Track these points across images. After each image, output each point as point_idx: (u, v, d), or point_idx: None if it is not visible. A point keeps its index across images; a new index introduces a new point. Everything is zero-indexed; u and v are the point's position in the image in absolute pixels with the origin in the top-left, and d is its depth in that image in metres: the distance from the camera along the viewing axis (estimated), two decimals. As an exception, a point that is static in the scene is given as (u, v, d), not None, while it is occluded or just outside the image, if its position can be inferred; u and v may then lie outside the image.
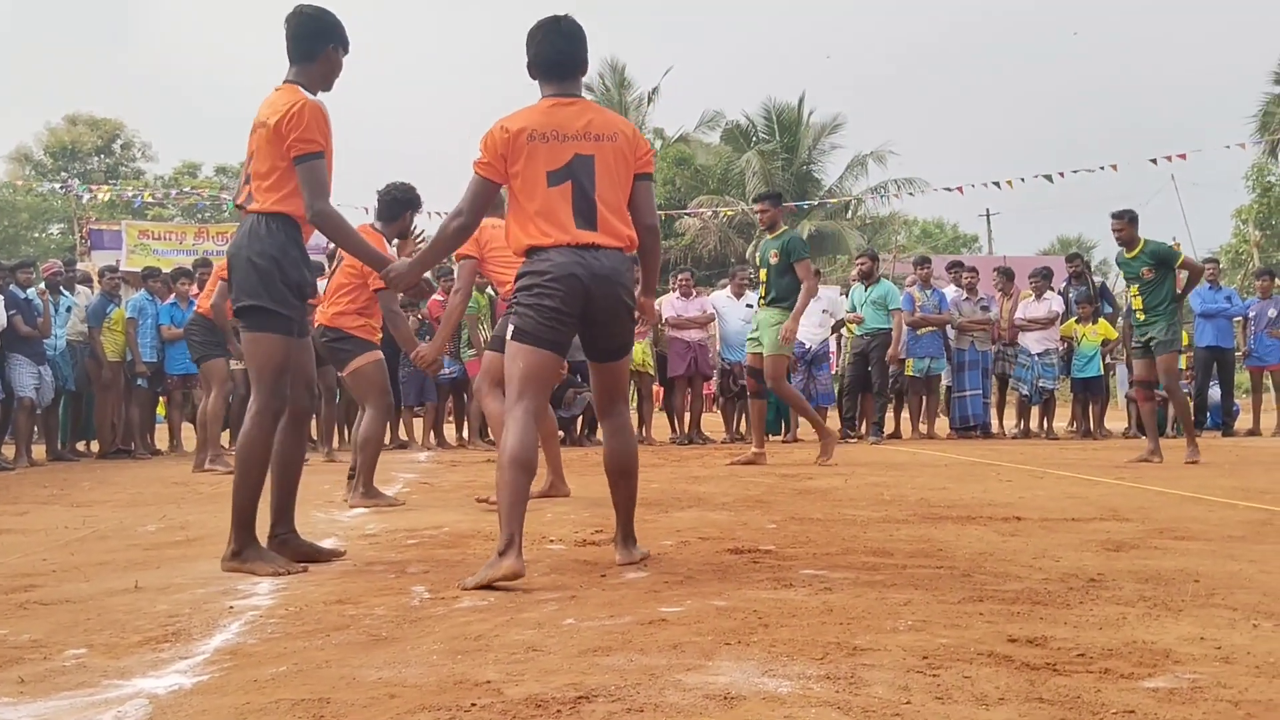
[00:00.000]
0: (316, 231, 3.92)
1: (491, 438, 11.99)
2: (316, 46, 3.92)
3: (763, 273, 8.67)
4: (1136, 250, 8.54)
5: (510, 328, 3.65)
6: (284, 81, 3.92)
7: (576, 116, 3.66)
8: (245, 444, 3.81)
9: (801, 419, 12.39)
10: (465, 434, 12.12)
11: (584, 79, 3.86)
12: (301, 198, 3.76)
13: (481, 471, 8.11)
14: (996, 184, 22.16)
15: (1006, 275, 12.96)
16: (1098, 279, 13.29)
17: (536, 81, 3.78)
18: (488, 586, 3.25)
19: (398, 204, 6.12)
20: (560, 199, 3.60)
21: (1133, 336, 8.73)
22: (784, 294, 8.34)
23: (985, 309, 12.28)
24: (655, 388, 13.23)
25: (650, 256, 3.92)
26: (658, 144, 36.92)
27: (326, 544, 4.16)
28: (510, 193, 3.69)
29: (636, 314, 3.90)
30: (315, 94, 3.89)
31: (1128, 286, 8.80)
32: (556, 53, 3.72)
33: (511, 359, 3.63)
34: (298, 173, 3.74)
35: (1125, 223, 8.60)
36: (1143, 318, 8.48)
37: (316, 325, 6.38)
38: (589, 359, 3.86)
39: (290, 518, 4.00)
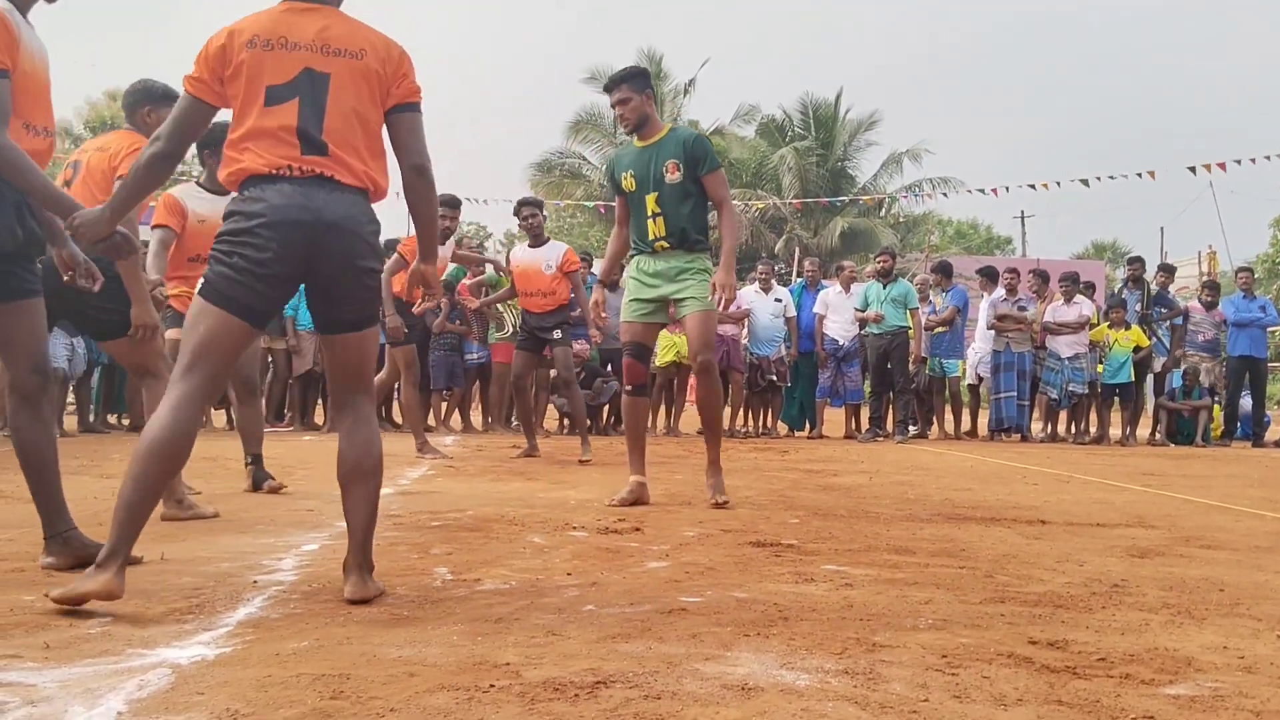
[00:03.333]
0: None
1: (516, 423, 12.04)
2: None
3: None
4: None
5: (202, 279, 2.96)
6: None
7: (311, 24, 2.98)
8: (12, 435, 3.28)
9: (822, 415, 12.41)
10: (490, 419, 12.15)
11: None
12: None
13: (507, 457, 8.14)
14: (1032, 186, 22.03)
15: (1042, 278, 12.87)
16: (1154, 286, 13.07)
17: None
18: (76, 603, 2.69)
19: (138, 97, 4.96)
20: (283, 123, 2.92)
21: None
22: None
23: (1022, 309, 12.20)
24: (690, 379, 13.19)
25: (421, 204, 3.15)
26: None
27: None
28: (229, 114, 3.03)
29: (419, 290, 3.33)
30: None
31: None
32: None
33: (191, 322, 2.94)
34: None
35: None
36: None
37: None
38: (316, 329, 3.14)
39: (65, 513, 3.41)
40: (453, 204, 8.19)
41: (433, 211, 3.20)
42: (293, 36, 2.95)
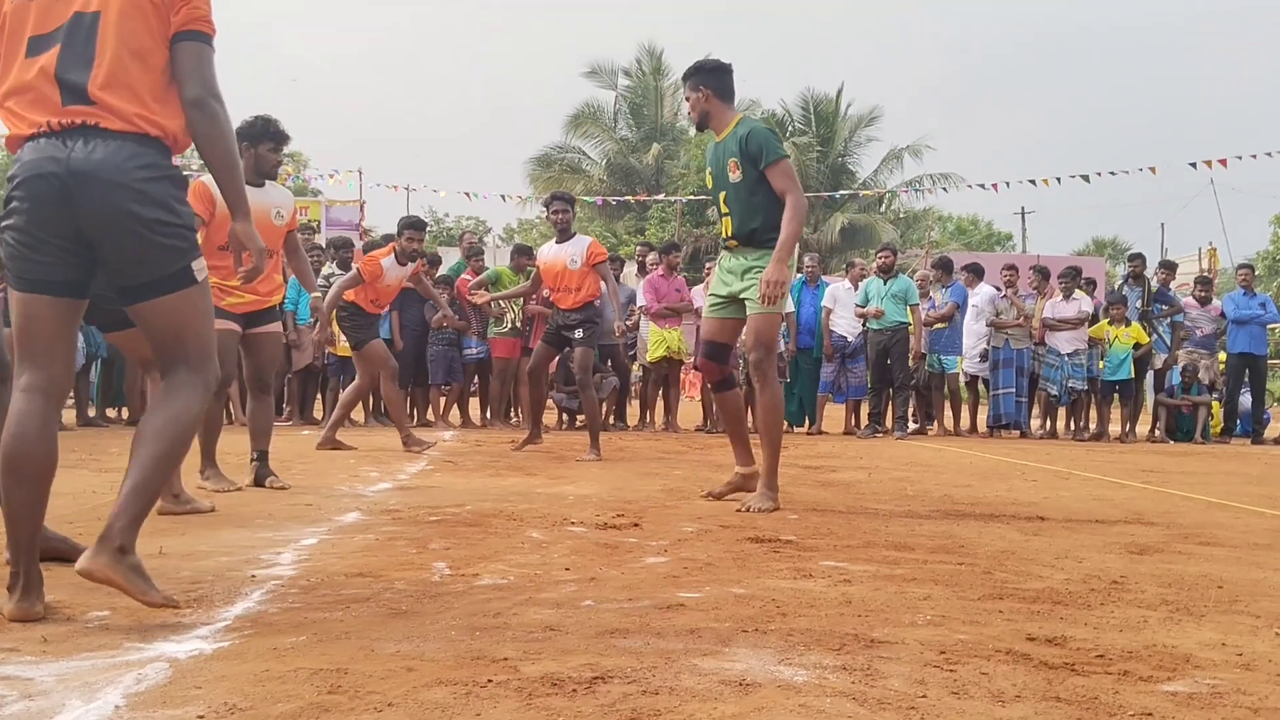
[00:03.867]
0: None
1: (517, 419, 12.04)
2: None
3: None
4: None
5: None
6: None
7: None
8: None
9: (822, 411, 12.40)
10: (489, 414, 12.15)
11: None
12: None
13: (505, 452, 8.14)
14: (1033, 182, 22.00)
15: (1043, 274, 12.86)
16: (1155, 283, 12.99)
17: None
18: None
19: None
20: (43, 73, 2.66)
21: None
22: None
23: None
24: (685, 376, 13.17)
25: (207, 147, 2.76)
26: (692, 131, 36.76)
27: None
28: None
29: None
30: None
31: None
32: None
33: (12, 314, 2.73)
34: None
35: None
36: None
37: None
38: (120, 303, 2.79)
39: None
40: (418, 226, 8.33)
41: (225, 156, 2.78)
42: None
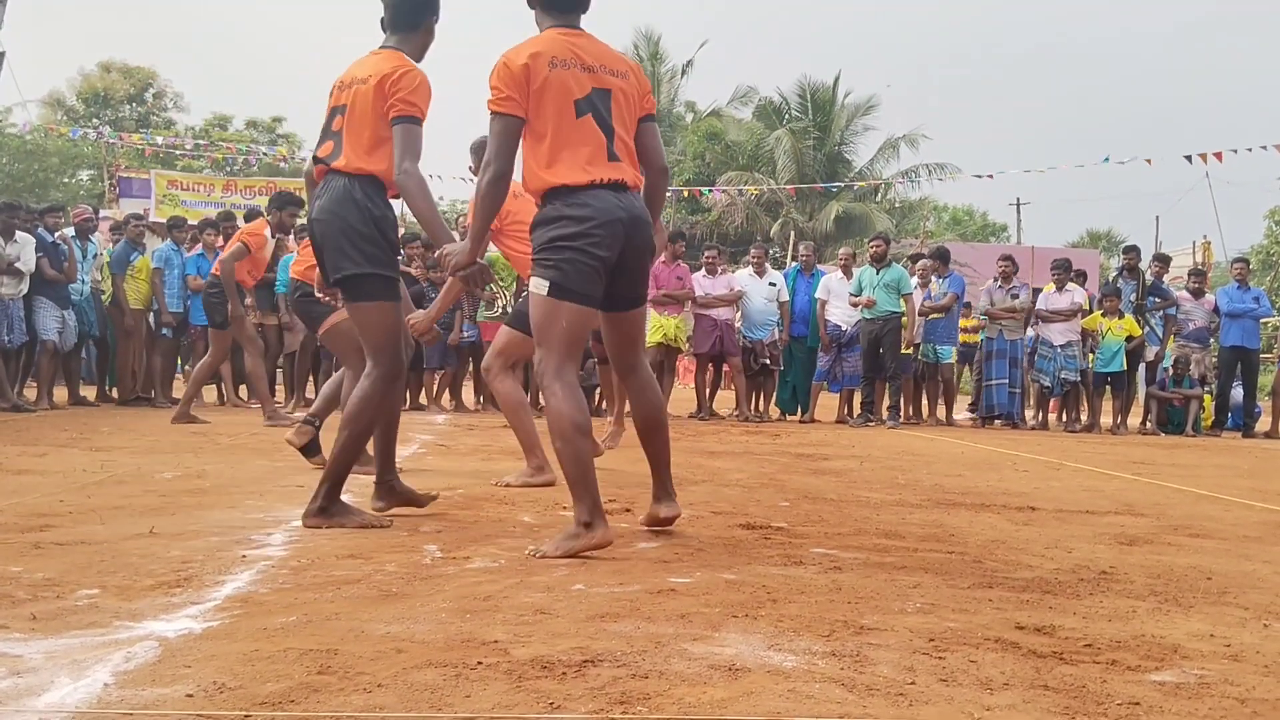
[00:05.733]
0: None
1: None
2: (420, 18, 3.93)
3: None
4: None
5: (546, 283, 3.34)
6: (382, 47, 3.91)
7: (589, 47, 3.47)
8: (365, 407, 3.80)
9: (816, 399, 12.41)
10: (483, 399, 12.14)
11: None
12: (391, 160, 3.70)
13: (497, 436, 8.14)
14: (1027, 171, 22.00)
15: (1011, 264, 12.85)
16: (1149, 276, 12.96)
17: (535, 11, 3.58)
18: (573, 556, 3.21)
19: None
20: (591, 131, 3.39)
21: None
22: None
23: (1015, 296, 12.18)
24: (680, 362, 13.13)
25: (659, 201, 3.70)
26: (689, 118, 36.71)
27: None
28: (526, 128, 3.42)
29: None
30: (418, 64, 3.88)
31: None
32: None
33: (550, 318, 3.35)
34: (395, 133, 3.69)
35: None
36: None
37: (290, 279, 6.41)
38: (609, 310, 3.56)
39: (394, 465, 4.16)
40: (298, 203, 8.63)
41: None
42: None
